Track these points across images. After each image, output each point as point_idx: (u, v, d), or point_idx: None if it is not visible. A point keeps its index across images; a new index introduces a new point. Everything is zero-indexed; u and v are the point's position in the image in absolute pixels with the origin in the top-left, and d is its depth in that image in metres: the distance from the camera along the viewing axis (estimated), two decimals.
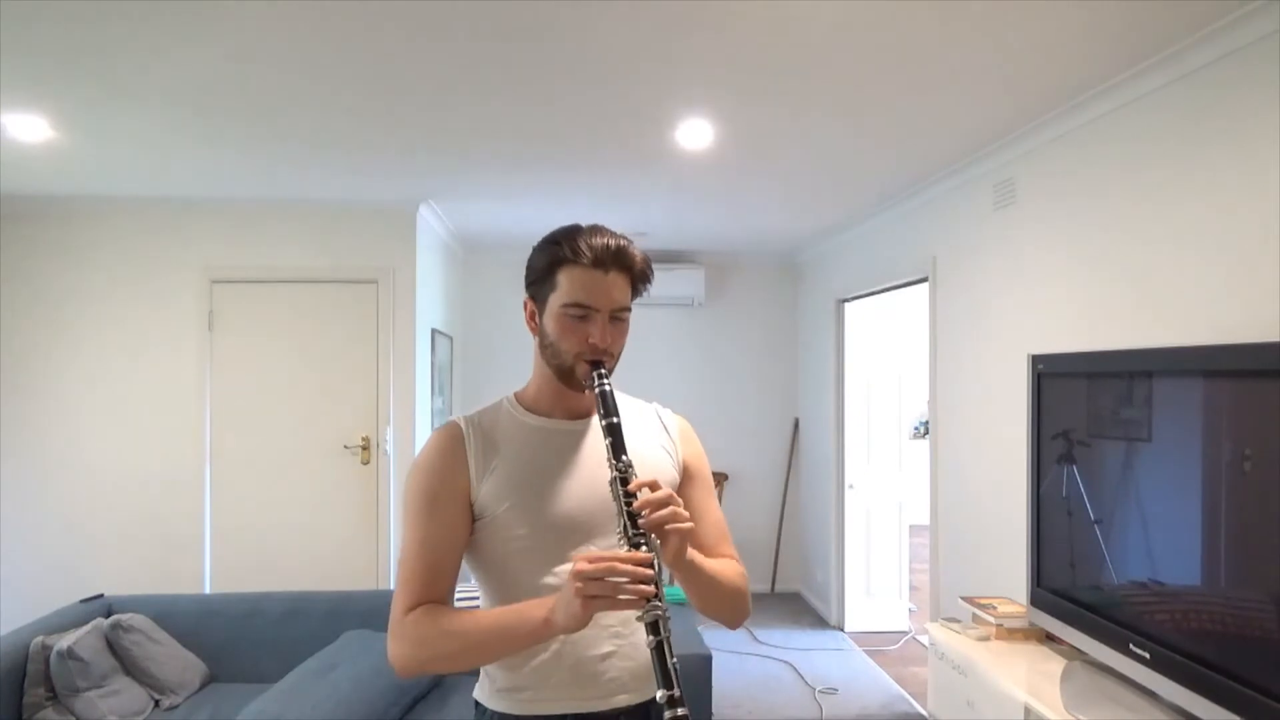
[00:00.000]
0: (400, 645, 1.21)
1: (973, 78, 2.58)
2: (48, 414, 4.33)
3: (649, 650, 1.09)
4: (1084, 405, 2.33)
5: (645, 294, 1.34)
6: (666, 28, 2.24)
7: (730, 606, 1.32)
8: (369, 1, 2.09)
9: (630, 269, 1.28)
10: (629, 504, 1.14)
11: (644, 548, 1.11)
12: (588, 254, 1.24)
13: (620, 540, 1.13)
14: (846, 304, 5.24)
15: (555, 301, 1.27)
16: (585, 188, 4.06)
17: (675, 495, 1.16)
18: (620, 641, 1.27)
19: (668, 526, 1.13)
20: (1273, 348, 1.70)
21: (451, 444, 1.28)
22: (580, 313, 1.25)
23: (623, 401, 1.39)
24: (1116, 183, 2.62)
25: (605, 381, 1.24)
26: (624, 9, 2.13)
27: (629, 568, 1.07)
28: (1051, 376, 2.49)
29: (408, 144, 3.34)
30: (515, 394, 1.38)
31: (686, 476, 1.40)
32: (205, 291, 4.40)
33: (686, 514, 1.15)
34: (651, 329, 6.02)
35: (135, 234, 4.37)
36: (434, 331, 4.95)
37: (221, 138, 3.26)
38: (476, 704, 1.32)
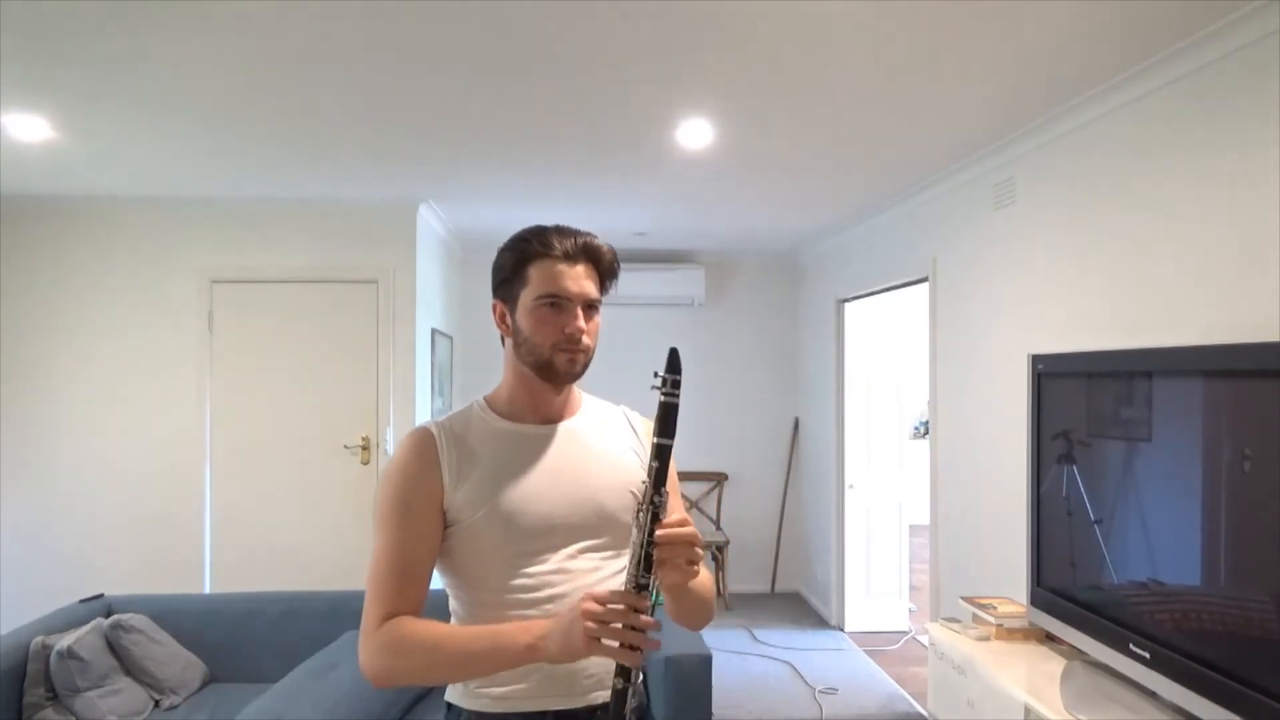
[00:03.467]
0: (373, 656, 1.20)
1: (973, 78, 2.58)
2: (48, 414, 4.33)
3: (612, 688, 1.13)
4: (1084, 405, 2.33)
5: (612, 290, 1.36)
6: (667, 28, 2.24)
7: (703, 616, 1.36)
8: (369, 2, 2.09)
9: (598, 263, 1.31)
10: (650, 542, 1.13)
11: (646, 589, 1.11)
12: (558, 247, 1.27)
13: (628, 578, 1.13)
14: (846, 304, 5.24)
15: (528, 296, 1.28)
16: (585, 187, 4.06)
17: (697, 535, 1.16)
18: None
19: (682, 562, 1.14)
20: (1273, 348, 1.70)
21: (424, 450, 1.27)
22: (554, 304, 1.27)
23: (591, 403, 1.41)
24: (1116, 183, 2.62)
25: (673, 393, 1.15)
26: (625, 10, 2.13)
27: (644, 619, 1.09)
28: (1051, 376, 2.49)
29: (408, 144, 3.34)
30: (486, 398, 1.37)
31: None
32: (205, 291, 4.40)
33: (701, 553, 1.17)
34: (651, 329, 6.01)
35: (135, 234, 4.37)
36: (434, 331, 4.95)
37: (222, 138, 3.26)
38: (449, 706, 1.31)
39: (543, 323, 1.27)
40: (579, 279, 1.28)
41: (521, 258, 1.29)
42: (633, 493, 1.36)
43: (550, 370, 1.28)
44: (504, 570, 1.26)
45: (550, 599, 1.25)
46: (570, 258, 1.28)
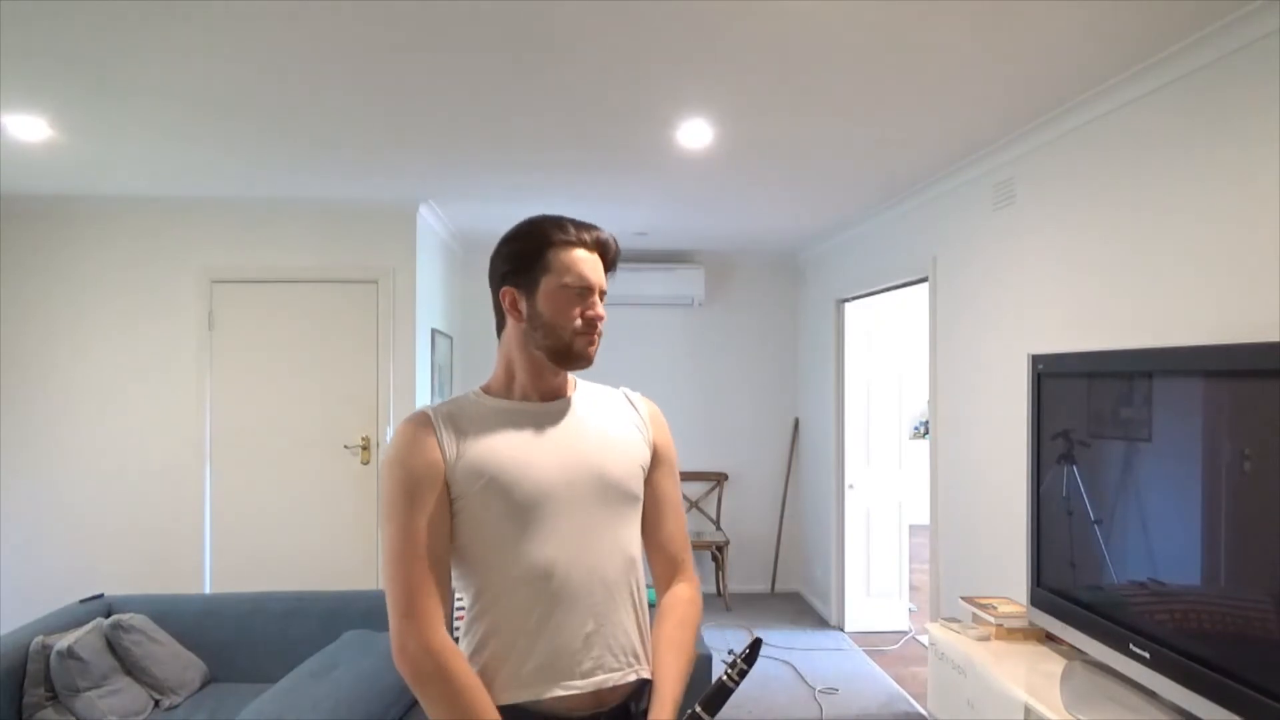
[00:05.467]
0: (411, 665, 1.19)
1: (973, 78, 2.58)
2: (48, 413, 4.34)
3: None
4: (1084, 405, 2.33)
5: (610, 278, 1.42)
6: (667, 28, 2.24)
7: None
8: (369, 3, 2.10)
9: (605, 256, 1.37)
10: None
11: None
12: (577, 236, 1.33)
13: None
14: (846, 304, 5.24)
15: (551, 282, 1.31)
16: (585, 187, 4.06)
17: None
18: (600, 621, 1.28)
19: None
20: (1273, 348, 1.70)
21: (422, 431, 1.28)
22: (580, 289, 1.31)
23: (591, 387, 1.44)
24: (1116, 182, 2.62)
25: (737, 681, 1.26)
26: (624, 10, 2.13)
27: None
28: (1051, 376, 2.49)
29: (408, 144, 3.34)
30: (481, 387, 1.39)
31: (656, 460, 1.43)
32: (205, 291, 4.40)
33: None
34: (651, 329, 6.02)
35: (135, 234, 4.37)
36: (434, 331, 4.95)
37: (222, 138, 3.26)
38: None
39: (567, 307, 1.30)
40: (597, 269, 1.34)
41: (543, 243, 1.32)
42: (640, 467, 1.38)
43: (569, 354, 1.31)
44: (504, 549, 1.26)
45: (552, 577, 1.26)
46: (589, 248, 1.33)
